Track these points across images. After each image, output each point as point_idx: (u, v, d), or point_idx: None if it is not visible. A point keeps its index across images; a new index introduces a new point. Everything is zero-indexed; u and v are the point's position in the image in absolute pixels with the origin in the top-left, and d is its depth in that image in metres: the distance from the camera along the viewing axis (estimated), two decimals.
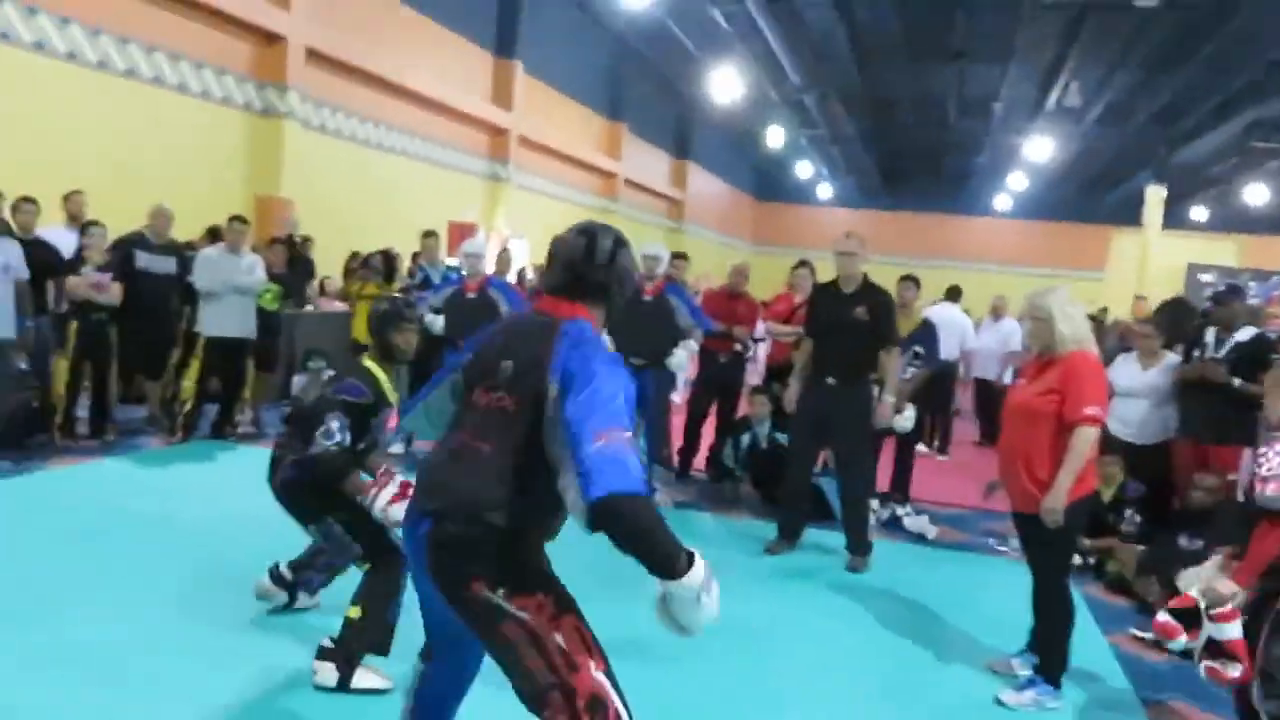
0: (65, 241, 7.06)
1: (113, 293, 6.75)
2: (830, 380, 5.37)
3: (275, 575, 3.99)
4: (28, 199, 6.88)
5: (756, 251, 34.44)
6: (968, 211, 32.16)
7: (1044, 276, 27.07)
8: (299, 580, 3.98)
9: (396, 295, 5.82)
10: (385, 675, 3.40)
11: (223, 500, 5.73)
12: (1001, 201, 30.18)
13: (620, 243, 2.37)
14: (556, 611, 2.16)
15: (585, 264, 2.32)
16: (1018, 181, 26.78)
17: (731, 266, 7.97)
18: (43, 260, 6.60)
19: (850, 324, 5.32)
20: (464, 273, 7.06)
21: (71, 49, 9.53)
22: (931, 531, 6.38)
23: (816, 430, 5.51)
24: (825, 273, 8.78)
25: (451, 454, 2.29)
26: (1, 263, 5.89)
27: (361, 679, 3.38)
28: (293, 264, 7.96)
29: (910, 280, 7.25)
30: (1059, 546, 3.81)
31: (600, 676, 2.12)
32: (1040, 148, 20.37)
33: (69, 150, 9.21)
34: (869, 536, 5.54)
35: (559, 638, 2.13)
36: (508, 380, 2.24)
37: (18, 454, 6.12)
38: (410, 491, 2.64)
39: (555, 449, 2.11)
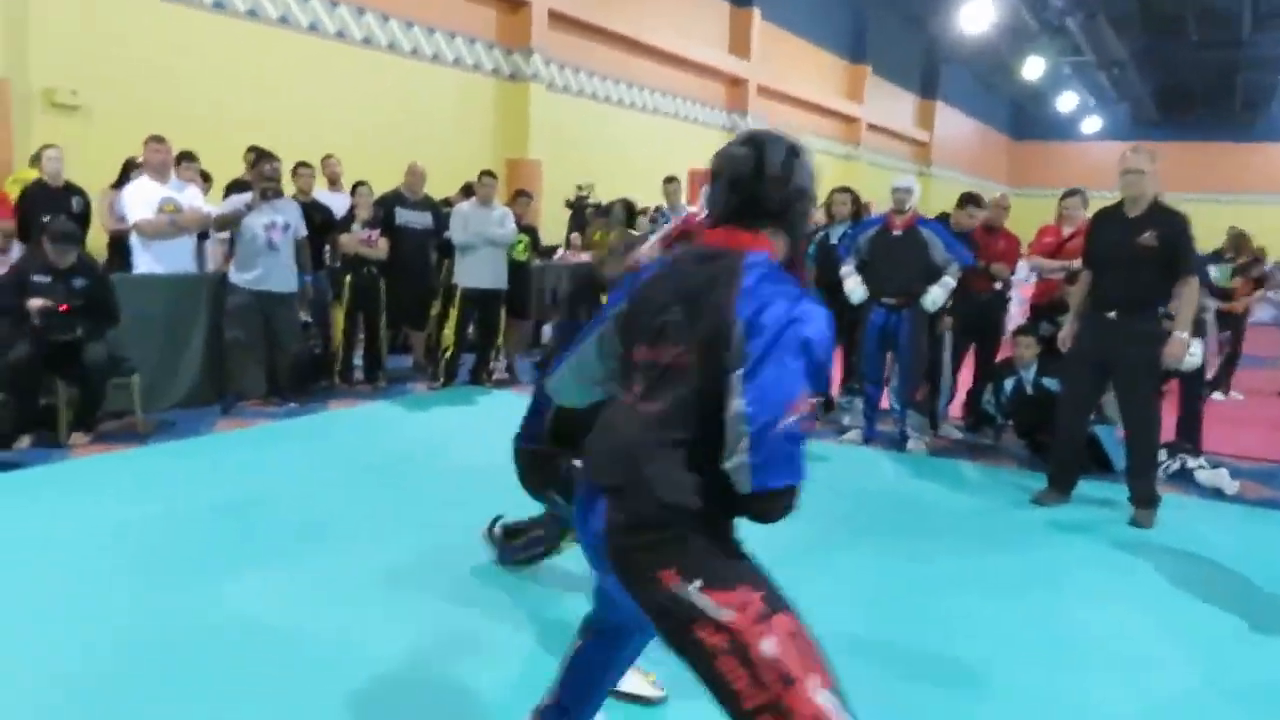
0: (334, 203, 7.61)
1: (380, 247, 7.21)
2: (1111, 315, 4.82)
3: (490, 529, 3.87)
4: (304, 164, 7.46)
5: (1013, 194, 32.17)
6: (1268, 138, 28.41)
7: None
8: (502, 547, 3.83)
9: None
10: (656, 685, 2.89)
11: (482, 442, 5.99)
12: None
13: (795, 152, 1.90)
14: (767, 610, 1.74)
15: (755, 181, 1.87)
16: None
17: (990, 199, 7.37)
18: (319, 220, 7.16)
19: (1136, 252, 4.73)
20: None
21: (340, 28, 10.24)
22: (1232, 487, 5.63)
23: (1094, 371, 4.96)
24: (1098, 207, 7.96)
25: (622, 419, 1.90)
26: (283, 222, 6.40)
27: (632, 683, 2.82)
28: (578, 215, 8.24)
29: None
30: None
31: (825, 697, 1.69)
32: None
33: (338, 121, 9.94)
34: (1156, 488, 4.97)
35: (770, 645, 1.70)
36: (677, 330, 1.83)
37: (303, 397, 6.69)
38: None
39: (731, 411, 1.71)
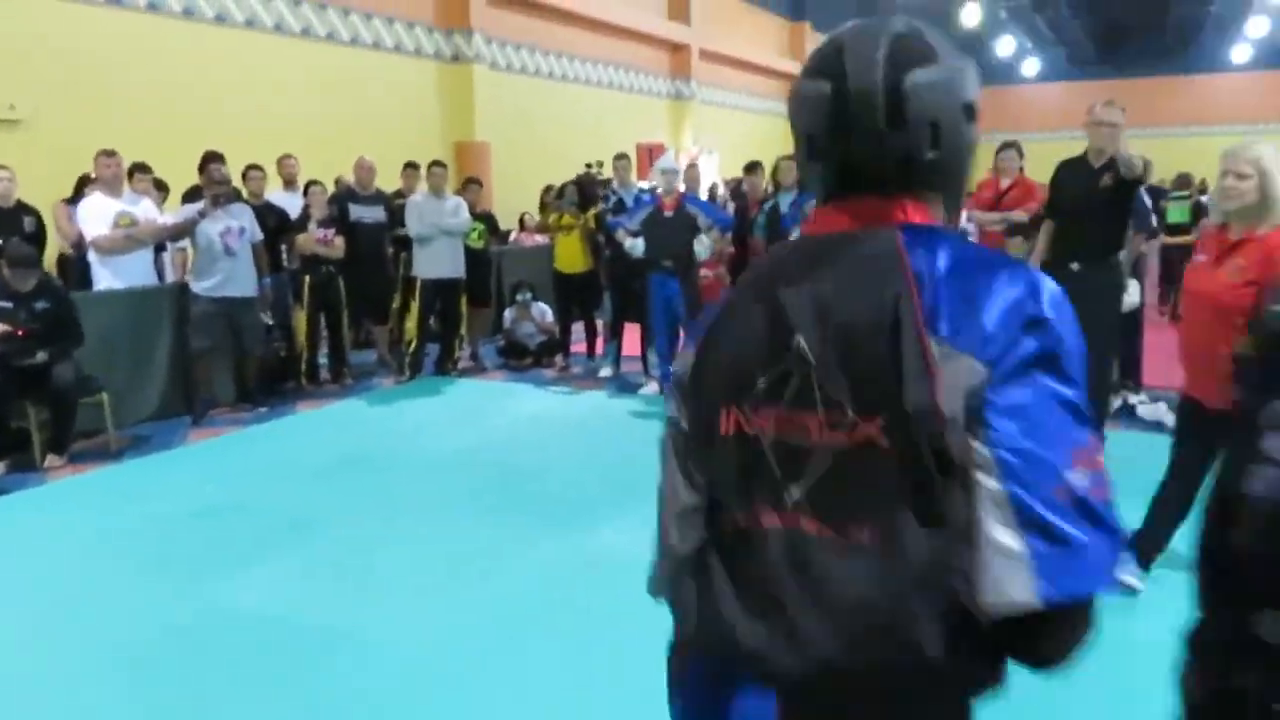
0: (285, 203, 7.64)
1: (337, 246, 7.27)
2: (1074, 266, 4.83)
3: None
4: (255, 166, 7.48)
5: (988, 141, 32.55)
6: (1200, 69, 28.96)
7: None
8: None
9: None
10: None
11: (451, 431, 6.14)
12: (1240, 53, 26.92)
13: (923, 53, 1.10)
14: None
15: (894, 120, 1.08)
16: (1258, 27, 23.74)
17: None
18: (274, 222, 7.20)
19: (1100, 199, 4.77)
20: (659, 191, 7.07)
21: (278, 21, 10.17)
22: (1172, 419, 5.92)
23: None
24: (1033, 155, 8.21)
25: (782, 558, 1.08)
26: (238, 227, 6.44)
27: None
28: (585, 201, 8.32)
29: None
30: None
31: None
32: None
33: (281, 115, 9.90)
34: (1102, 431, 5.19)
35: None
36: (839, 380, 1.05)
37: (272, 400, 6.77)
38: None
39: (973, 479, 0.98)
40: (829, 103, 1.09)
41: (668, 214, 6.88)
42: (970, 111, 1.11)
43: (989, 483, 0.96)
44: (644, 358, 7.64)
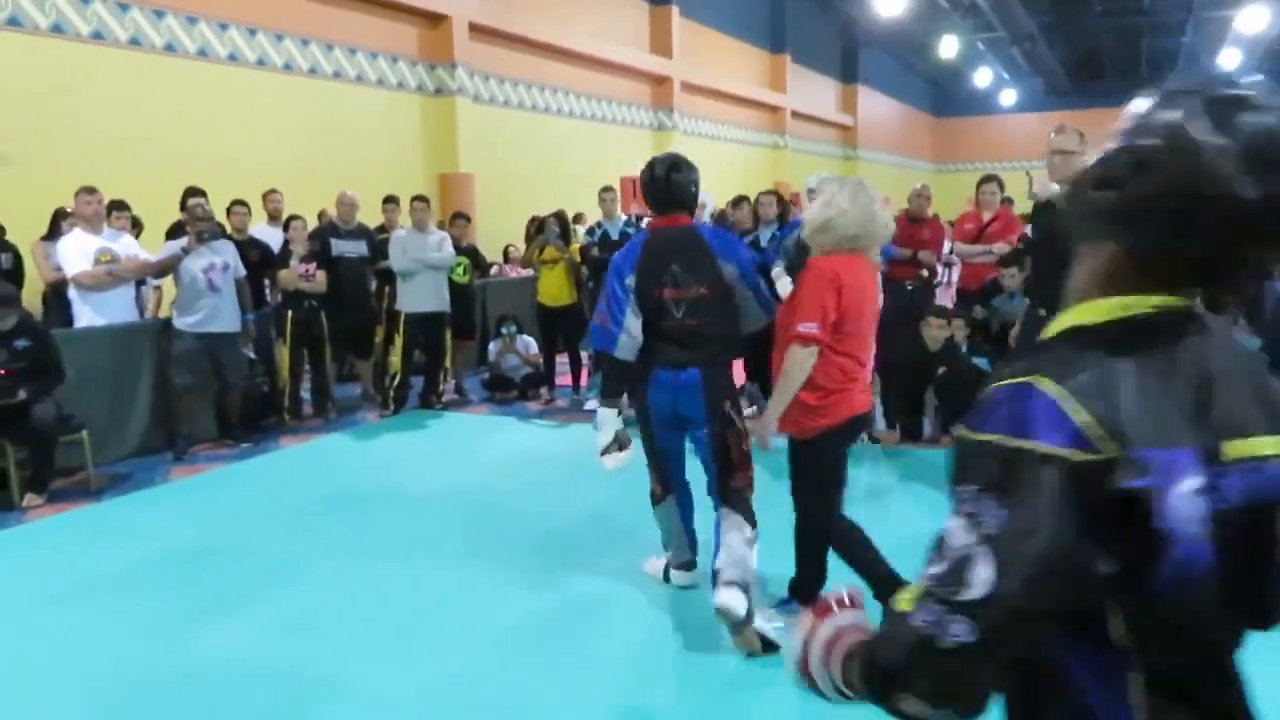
0: (270, 238, 7.63)
1: (319, 280, 7.25)
2: (1042, 313, 4.57)
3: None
4: (240, 201, 7.46)
5: (939, 170, 32.90)
6: None
7: None
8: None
9: None
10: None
11: (436, 466, 6.10)
12: None
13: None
14: None
15: None
16: (1230, 59, 24.21)
17: (911, 190, 7.65)
18: (257, 256, 7.18)
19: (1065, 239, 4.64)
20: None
21: (260, 56, 10.19)
22: None
23: None
24: (1014, 186, 8.32)
25: (680, 333, 3.57)
26: (222, 263, 6.42)
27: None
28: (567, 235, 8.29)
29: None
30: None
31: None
32: (1253, 18, 18.31)
33: (264, 150, 9.90)
34: None
35: None
36: (687, 275, 3.59)
37: (255, 436, 6.71)
38: None
39: None
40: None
41: None
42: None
43: (743, 289, 3.58)
44: None
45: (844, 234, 3.29)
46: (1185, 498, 0.91)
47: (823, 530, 3.47)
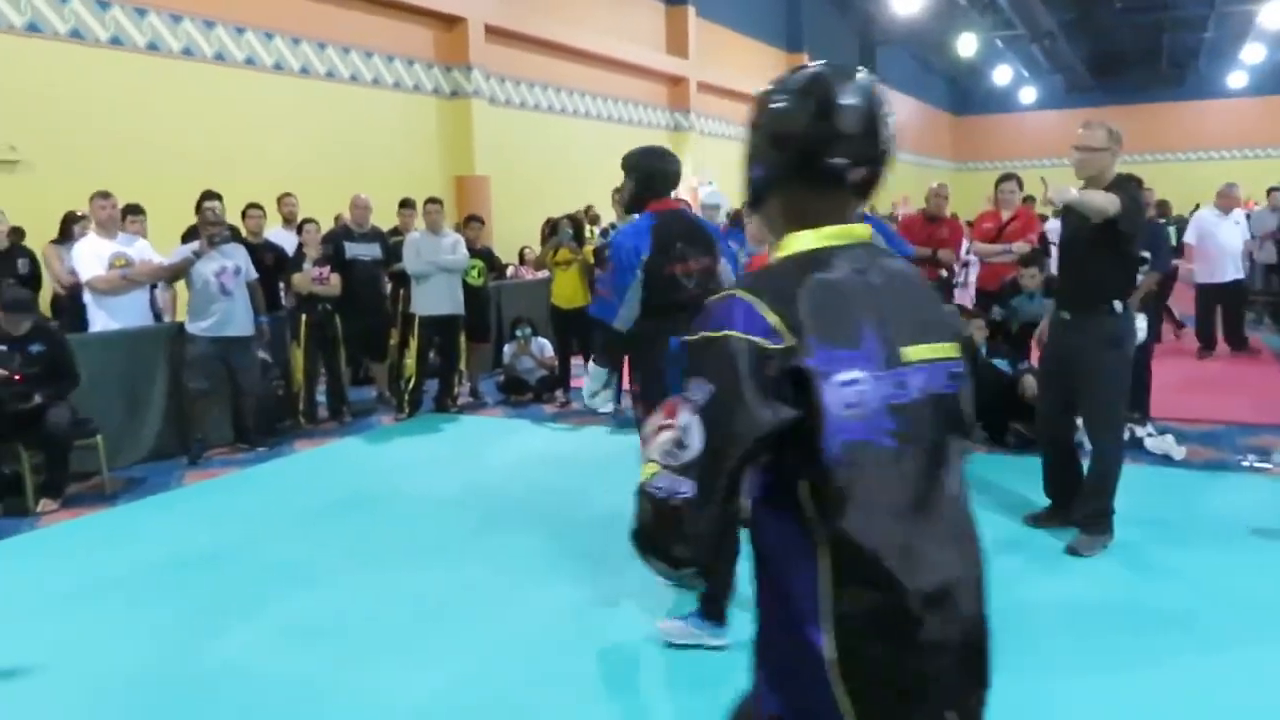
0: (284, 241, 7.63)
1: (333, 284, 7.24)
2: (1065, 315, 4.38)
3: None
4: (255, 205, 7.46)
5: (959, 169, 32.68)
6: (1196, 95, 29.10)
7: None
8: None
9: None
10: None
11: (450, 470, 6.07)
12: (1236, 79, 27.07)
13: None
14: None
15: None
16: (1254, 54, 23.90)
17: (929, 189, 7.57)
18: (272, 259, 7.18)
19: (1082, 240, 4.19)
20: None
21: (277, 60, 10.21)
22: (1179, 452, 5.85)
23: (1063, 377, 4.43)
24: (1033, 184, 8.20)
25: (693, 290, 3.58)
26: (233, 266, 6.41)
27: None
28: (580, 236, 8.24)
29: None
30: None
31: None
32: (1277, 12, 18.05)
33: (281, 153, 9.92)
34: (1108, 508, 4.36)
35: None
36: (694, 249, 3.72)
37: (270, 440, 6.71)
38: None
39: None
40: None
41: None
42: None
43: (725, 261, 3.82)
44: None
45: None
46: (837, 386, 1.20)
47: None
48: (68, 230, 7.09)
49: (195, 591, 4.13)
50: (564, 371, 8.08)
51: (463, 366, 8.07)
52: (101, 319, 6.27)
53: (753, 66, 20.69)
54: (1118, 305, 4.22)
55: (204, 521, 5.14)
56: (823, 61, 1.40)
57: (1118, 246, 4.15)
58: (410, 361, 7.59)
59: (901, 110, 30.59)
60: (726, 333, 1.20)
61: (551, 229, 8.61)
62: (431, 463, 6.33)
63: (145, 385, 6.33)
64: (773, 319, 1.20)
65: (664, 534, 1.19)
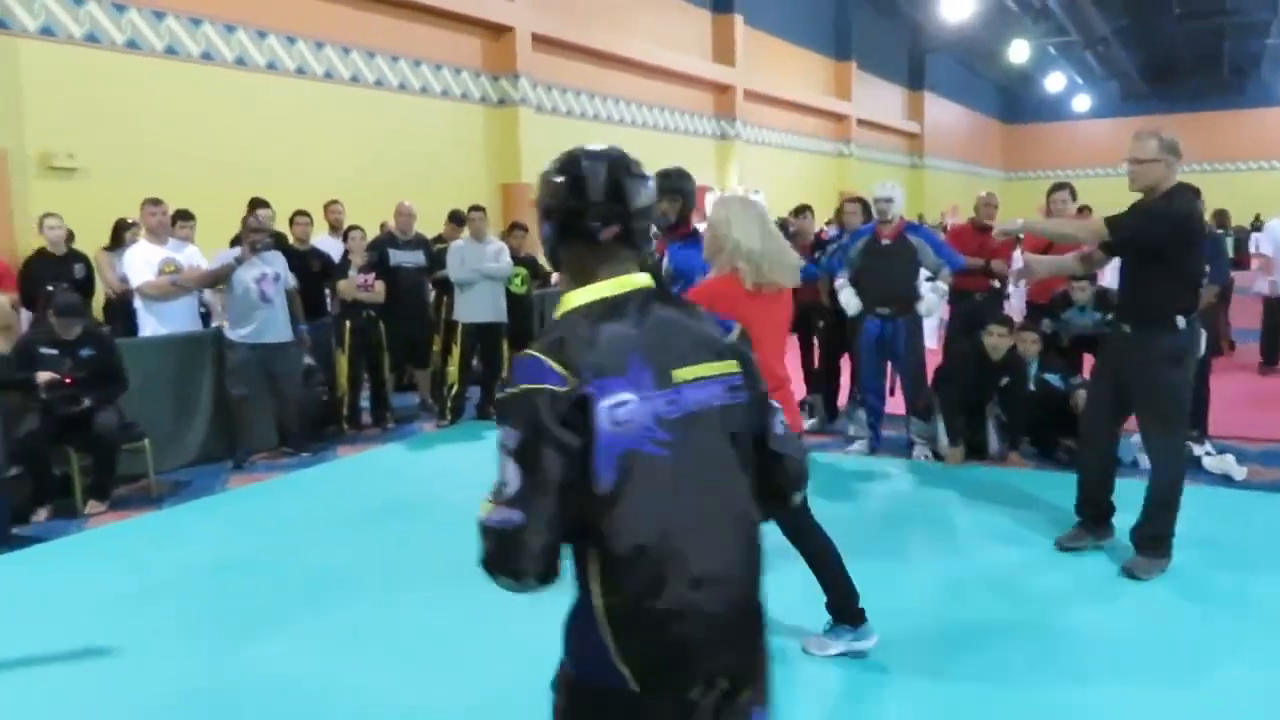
0: (331, 249, 7.70)
1: (377, 291, 7.28)
2: (1125, 329, 4.22)
3: None
4: (302, 212, 7.53)
5: (1009, 179, 32.22)
6: (1258, 103, 28.38)
7: None
8: None
9: None
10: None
11: (490, 480, 6.04)
12: None
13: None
14: None
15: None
16: None
17: (978, 198, 7.43)
18: (319, 266, 7.24)
19: (1141, 248, 4.05)
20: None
21: (328, 69, 10.34)
22: (1239, 472, 5.66)
23: (1115, 392, 4.27)
24: (1085, 193, 7.98)
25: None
26: (273, 273, 6.45)
27: None
28: None
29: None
30: None
31: None
32: None
33: (329, 161, 10.03)
34: (1169, 531, 4.17)
35: None
36: None
37: (314, 445, 6.75)
38: None
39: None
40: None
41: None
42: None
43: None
44: None
45: (737, 253, 3.16)
46: (608, 407, 1.45)
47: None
48: (119, 236, 7.22)
49: (238, 596, 4.15)
50: None
51: (504, 374, 8.06)
52: (151, 324, 6.37)
53: (801, 74, 20.58)
54: (1180, 320, 4.06)
55: (247, 526, 5.18)
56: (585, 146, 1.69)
57: (1175, 256, 4.03)
58: (453, 369, 7.61)
59: (950, 118, 30.27)
60: (524, 387, 1.47)
61: None
62: (472, 470, 6.30)
63: (192, 390, 6.41)
64: (558, 368, 1.47)
65: (508, 556, 1.46)
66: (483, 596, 4.05)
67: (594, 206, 1.59)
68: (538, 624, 3.79)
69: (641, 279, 1.61)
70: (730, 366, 1.60)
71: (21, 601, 4.19)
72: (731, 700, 1.54)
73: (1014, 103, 32.70)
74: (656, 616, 1.47)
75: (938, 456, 6.16)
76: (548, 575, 1.49)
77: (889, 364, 6.41)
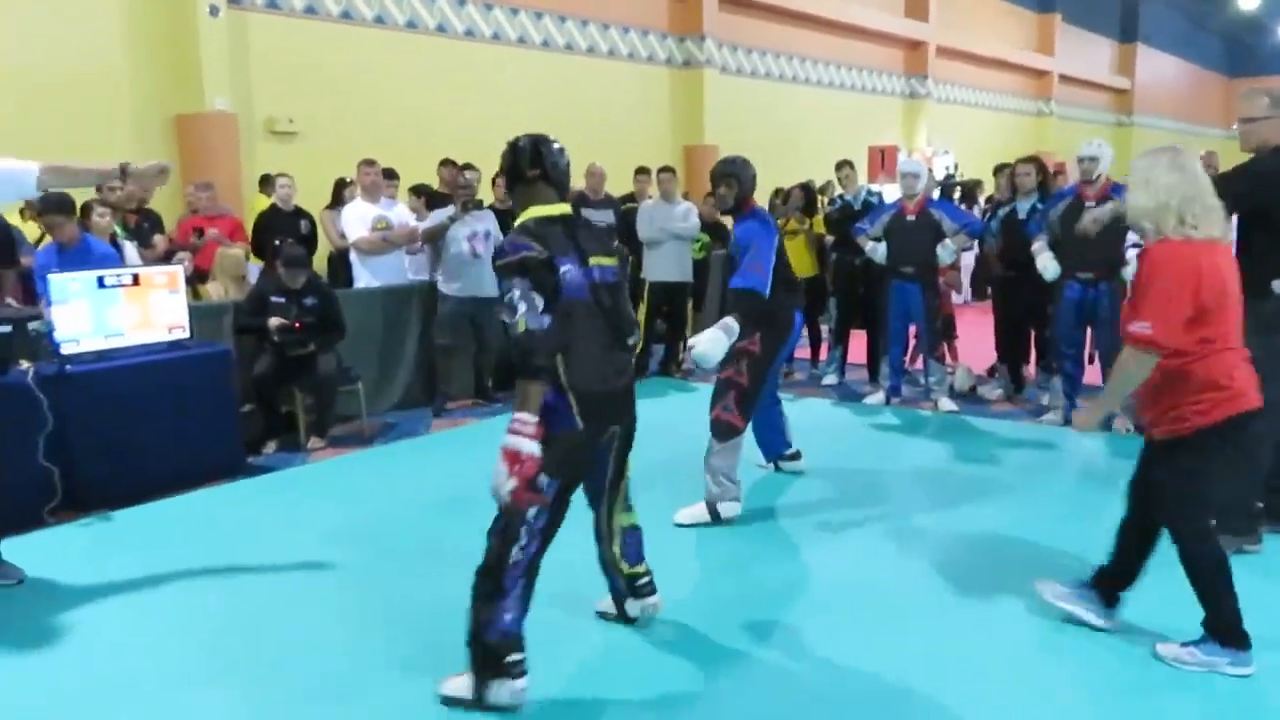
0: None
1: None
2: (1277, 285, 3.88)
3: None
4: (501, 174, 7.85)
5: (1231, 136, 29.56)
6: None
7: None
8: None
9: None
10: None
11: (675, 433, 6.18)
12: None
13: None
14: None
15: None
16: None
17: (1198, 158, 6.91)
18: None
19: (1245, 214, 3.85)
20: (901, 194, 6.81)
21: (521, 34, 10.68)
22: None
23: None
24: None
25: None
26: (484, 231, 6.78)
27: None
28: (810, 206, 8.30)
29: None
30: None
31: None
32: None
33: (519, 124, 10.30)
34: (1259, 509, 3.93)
35: None
36: None
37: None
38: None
39: None
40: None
41: (910, 218, 6.64)
42: None
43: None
44: (870, 365, 7.44)
45: (1178, 215, 2.87)
46: (561, 270, 2.74)
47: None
48: (339, 195, 7.75)
49: (442, 532, 4.45)
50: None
51: (688, 333, 8.17)
52: (365, 277, 6.85)
53: (998, 28, 19.58)
54: (1277, 286, 3.82)
55: (449, 468, 5.52)
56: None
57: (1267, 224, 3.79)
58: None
59: (1165, 72, 27.99)
60: (523, 255, 2.69)
61: (784, 198, 8.54)
62: (653, 428, 6.44)
63: (399, 339, 6.86)
64: (536, 244, 2.71)
65: (532, 354, 2.63)
66: (673, 531, 4.19)
67: (525, 161, 2.93)
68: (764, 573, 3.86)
69: (564, 207, 2.92)
70: (615, 260, 3.00)
71: (257, 523, 4.66)
72: (626, 436, 3.12)
73: (1241, 53, 29.90)
74: (596, 391, 2.83)
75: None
76: (549, 367, 2.69)
77: (1088, 331, 6.12)
